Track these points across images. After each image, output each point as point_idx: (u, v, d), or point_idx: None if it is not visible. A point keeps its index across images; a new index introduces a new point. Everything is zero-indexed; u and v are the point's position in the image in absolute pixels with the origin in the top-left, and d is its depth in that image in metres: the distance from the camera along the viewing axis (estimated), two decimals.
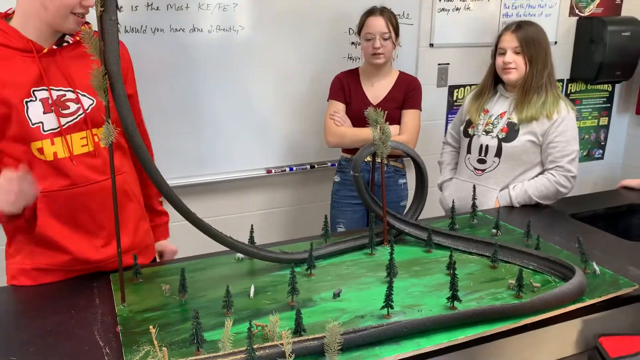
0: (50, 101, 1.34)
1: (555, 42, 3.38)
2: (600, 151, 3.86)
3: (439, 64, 3.11)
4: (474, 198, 1.78)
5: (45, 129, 1.35)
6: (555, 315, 1.22)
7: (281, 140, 2.77)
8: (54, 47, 1.36)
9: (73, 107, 1.37)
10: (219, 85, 2.55)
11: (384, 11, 2.30)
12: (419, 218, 1.69)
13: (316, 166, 2.87)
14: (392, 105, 2.31)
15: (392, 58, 2.39)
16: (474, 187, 1.83)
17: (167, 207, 1.54)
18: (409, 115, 2.32)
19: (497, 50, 2.06)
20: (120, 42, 1.37)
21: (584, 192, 2.44)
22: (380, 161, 1.51)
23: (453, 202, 1.75)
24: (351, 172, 1.53)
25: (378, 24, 2.26)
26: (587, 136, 3.78)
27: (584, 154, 3.80)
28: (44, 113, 1.34)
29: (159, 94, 2.43)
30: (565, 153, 1.97)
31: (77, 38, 1.39)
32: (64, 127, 1.36)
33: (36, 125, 1.33)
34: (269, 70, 2.64)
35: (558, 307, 1.22)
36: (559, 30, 3.39)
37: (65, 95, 1.36)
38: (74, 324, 1.20)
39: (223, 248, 1.35)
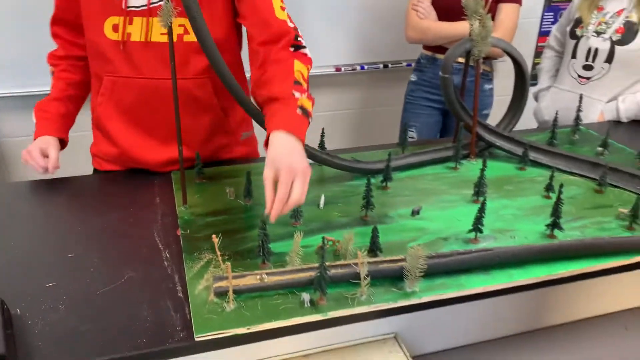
0: None
1: None
2: None
3: None
4: (578, 110, 1.54)
5: (129, 5, 1.19)
6: None
7: (352, 35, 2.53)
8: None
9: None
10: None
11: None
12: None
13: (390, 66, 2.63)
14: None
15: None
16: (581, 96, 1.58)
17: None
18: (506, 9, 2.00)
19: None
20: None
21: None
22: (476, 61, 1.29)
23: (556, 114, 1.52)
24: (440, 73, 1.32)
25: None
26: None
27: None
28: None
29: None
30: None
31: None
32: (151, 6, 1.18)
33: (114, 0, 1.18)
34: None
35: None
36: None
37: None
38: (132, 222, 1.12)
39: None
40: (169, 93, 1.20)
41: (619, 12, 1.76)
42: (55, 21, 1.32)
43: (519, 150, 1.36)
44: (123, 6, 1.19)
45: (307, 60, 1.18)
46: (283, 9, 1.19)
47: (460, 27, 1.99)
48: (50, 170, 1.28)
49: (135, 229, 1.10)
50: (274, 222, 0.94)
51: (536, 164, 1.36)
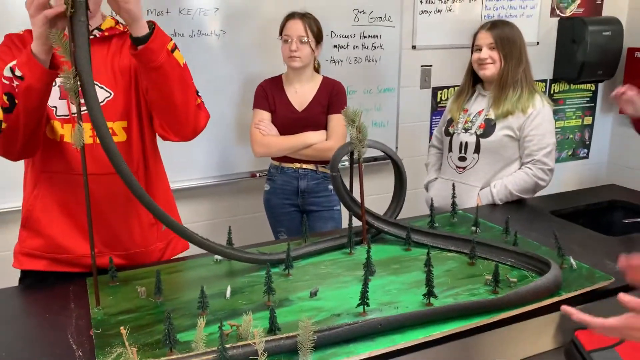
0: None
1: (538, 43, 3.42)
2: (585, 150, 3.89)
3: (422, 66, 3.13)
4: (453, 196, 1.78)
5: (58, 114, 1.40)
6: (531, 309, 1.22)
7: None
8: None
9: None
10: None
11: (304, 16, 2.33)
12: (402, 217, 1.69)
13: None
14: (317, 110, 2.33)
15: (313, 64, 2.40)
16: (453, 185, 1.83)
17: None
18: (334, 119, 2.32)
19: (473, 47, 2.10)
20: None
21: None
22: (358, 160, 1.51)
23: (432, 200, 1.76)
24: (329, 172, 1.53)
25: (296, 27, 2.29)
26: (571, 136, 3.81)
27: (569, 153, 3.83)
28: (59, 98, 1.39)
29: None
30: (541, 146, 2.00)
31: (106, 33, 1.45)
32: (74, 115, 1.38)
33: (50, 108, 1.39)
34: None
35: (534, 301, 1.22)
36: (540, 31, 3.43)
37: None
38: (48, 327, 1.19)
39: (200, 251, 1.34)
40: (97, 188, 1.36)
41: (479, 112, 2.11)
42: None
43: (403, 234, 1.56)
44: (54, 114, 1.40)
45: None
46: None
47: (299, 139, 2.30)
48: None
49: (51, 332, 1.16)
50: None
51: (419, 244, 1.55)
